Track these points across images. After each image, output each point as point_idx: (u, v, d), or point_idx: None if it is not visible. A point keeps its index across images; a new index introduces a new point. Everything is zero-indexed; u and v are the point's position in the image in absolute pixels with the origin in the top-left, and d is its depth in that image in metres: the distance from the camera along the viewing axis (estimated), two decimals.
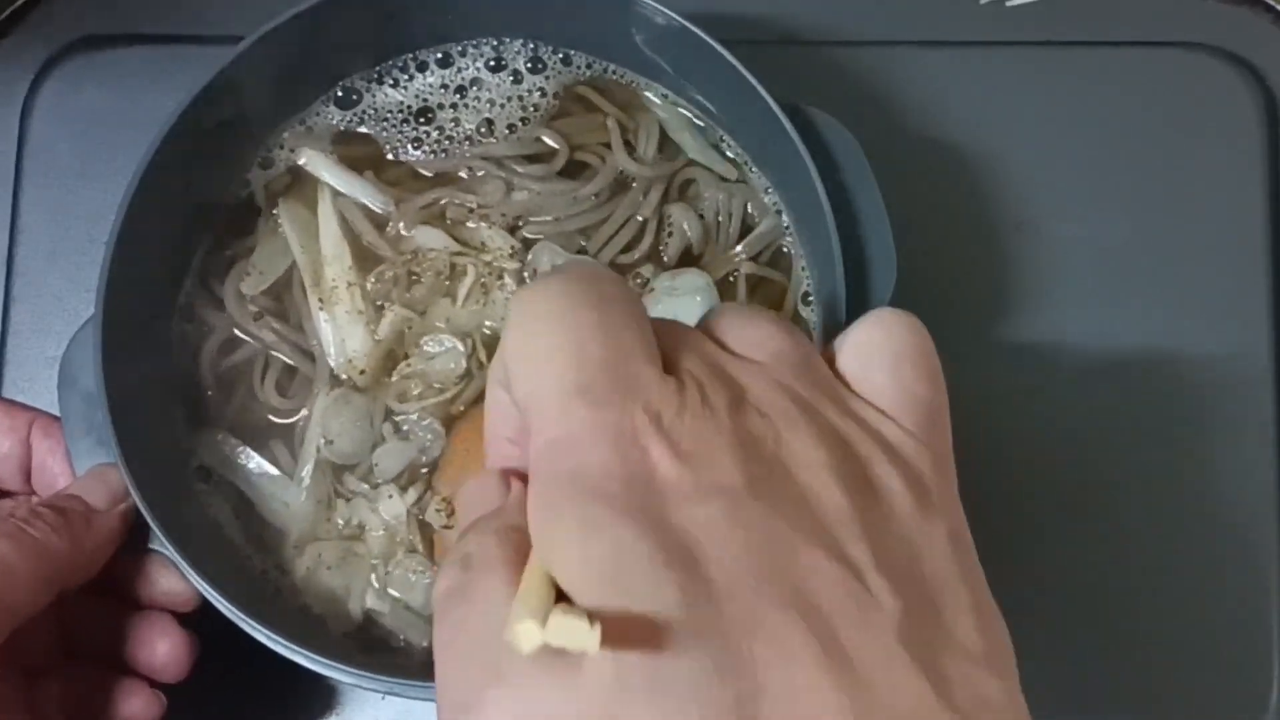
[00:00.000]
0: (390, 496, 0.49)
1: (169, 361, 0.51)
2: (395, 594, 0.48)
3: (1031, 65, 0.58)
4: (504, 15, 0.52)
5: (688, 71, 0.52)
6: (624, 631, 0.25)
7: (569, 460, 0.28)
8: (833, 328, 0.46)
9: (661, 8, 0.48)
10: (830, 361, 0.33)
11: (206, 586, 0.44)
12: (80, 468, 0.47)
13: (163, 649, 0.45)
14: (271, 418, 0.51)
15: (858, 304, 0.46)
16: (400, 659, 0.48)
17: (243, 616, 0.44)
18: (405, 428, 0.50)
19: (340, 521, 0.49)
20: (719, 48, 0.48)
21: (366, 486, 0.49)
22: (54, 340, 0.55)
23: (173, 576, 0.45)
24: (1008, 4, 0.59)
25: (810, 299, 0.51)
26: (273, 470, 0.50)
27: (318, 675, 0.44)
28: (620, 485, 0.27)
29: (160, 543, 0.44)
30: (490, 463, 0.34)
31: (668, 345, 0.31)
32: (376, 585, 0.49)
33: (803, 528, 0.27)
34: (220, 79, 0.48)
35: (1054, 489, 0.54)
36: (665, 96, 0.53)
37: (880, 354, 0.32)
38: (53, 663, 0.45)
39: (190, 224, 0.51)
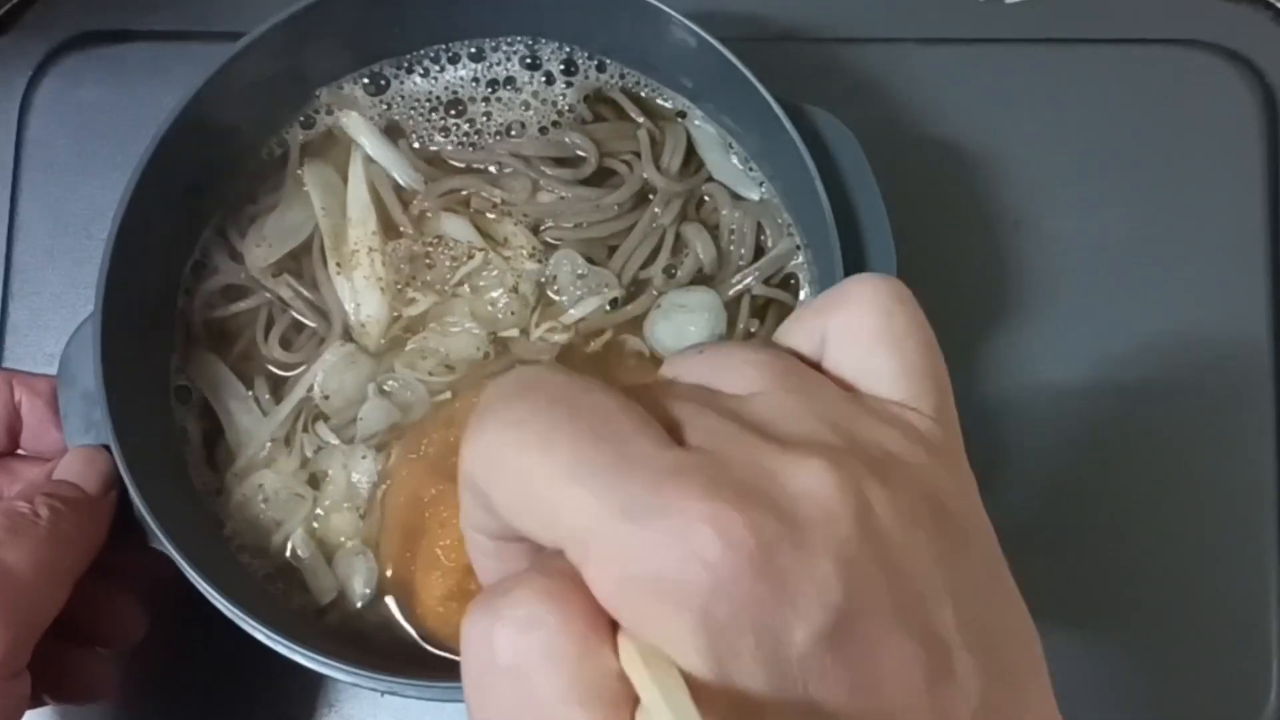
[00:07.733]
0: (364, 457, 0.50)
1: (170, 354, 0.51)
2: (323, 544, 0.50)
3: (1031, 63, 0.58)
4: (540, 16, 0.52)
5: (700, 79, 0.51)
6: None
7: (654, 586, 0.23)
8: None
9: (671, 11, 0.48)
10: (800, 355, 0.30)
11: (209, 588, 0.44)
12: None
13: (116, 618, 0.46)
14: (271, 369, 0.51)
15: None
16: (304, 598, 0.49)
17: (243, 616, 0.44)
18: (389, 388, 0.50)
19: (297, 463, 0.50)
20: (722, 48, 0.48)
21: (337, 440, 0.50)
22: (53, 337, 0.55)
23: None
24: (1007, 1, 0.59)
25: None
26: (251, 404, 0.51)
27: (316, 673, 0.44)
28: (709, 594, 0.23)
29: (161, 543, 0.44)
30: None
31: (666, 417, 0.26)
32: (304, 532, 0.49)
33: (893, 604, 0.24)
34: (254, 45, 0.48)
35: (1053, 487, 0.54)
36: (684, 113, 0.53)
37: (878, 338, 0.29)
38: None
39: (208, 186, 0.51)
